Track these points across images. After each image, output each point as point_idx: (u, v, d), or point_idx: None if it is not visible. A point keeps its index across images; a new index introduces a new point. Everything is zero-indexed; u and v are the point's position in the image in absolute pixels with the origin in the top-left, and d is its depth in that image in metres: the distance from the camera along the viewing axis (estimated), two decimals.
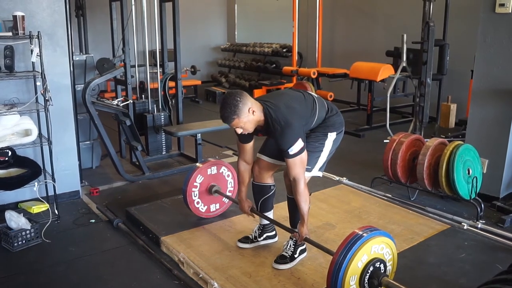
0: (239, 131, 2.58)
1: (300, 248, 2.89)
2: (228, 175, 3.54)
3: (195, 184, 3.37)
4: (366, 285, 2.29)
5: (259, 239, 3.09)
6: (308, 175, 2.75)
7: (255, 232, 3.11)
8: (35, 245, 3.24)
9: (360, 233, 2.31)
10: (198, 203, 3.42)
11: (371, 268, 2.29)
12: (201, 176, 3.39)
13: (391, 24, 7.61)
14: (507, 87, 3.76)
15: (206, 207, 3.47)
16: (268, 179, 2.98)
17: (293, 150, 2.54)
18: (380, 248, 2.35)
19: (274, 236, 3.14)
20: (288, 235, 2.93)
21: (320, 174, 2.86)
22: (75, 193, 4.08)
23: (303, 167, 2.63)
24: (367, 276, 2.28)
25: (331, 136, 2.83)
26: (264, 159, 2.93)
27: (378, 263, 2.32)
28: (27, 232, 3.22)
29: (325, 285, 2.54)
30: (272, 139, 2.75)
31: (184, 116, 5.27)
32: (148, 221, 3.45)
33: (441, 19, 6.06)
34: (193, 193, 3.38)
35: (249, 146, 2.87)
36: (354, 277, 2.25)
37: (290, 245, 2.88)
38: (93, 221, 3.66)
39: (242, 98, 2.50)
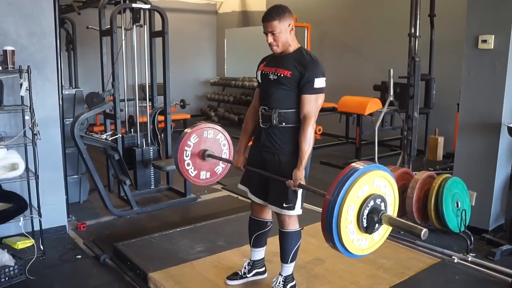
0: (270, 39, 2.61)
1: (290, 284, 2.85)
2: (224, 145, 3.33)
3: (188, 143, 3.17)
4: (364, 220, 2.13)
5: (248, 275, 3.04)
6: (293, 212, 2.70)
7: (245, 267, 3.06)
8: (18, 283, 3.15)
9: (365, 163, 2.17)
10: (188, 165, 3.22)
11: (372, 203, 2.13)
12: (196, 136, 3.20)
13: (378, 59, 7.76)
14: (492, 120, 3.82)
15: (196, 172, 3.27)
16: (267, 215, 2.94)
17: (317, 83, 2.56)
18: (383, 185, 2.21)
19: (263, 272, 3.09)
20: (277, 272, 2.89)
21: (301, 211, 2.75)
22: (61, 228, 4.01)
23: (318, 106, 2.61)
24: (367, 211, 2.13)
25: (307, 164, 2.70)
26: (258, 202, 2.86)
27: (379, 200, 2.16)
28: (11, 268, 3.13)
29: None
30: (290, 67, 2.62)
31: (173, 150, 5.25)
32: (135, 256, 3.39)
33: (427, 54, 6.19)
34: (185, 152, 3.18)
35: None
36: (353, 207, 2.10)
37: (280, 281, 2.84)
38: (79, 257, 3.58)
39: (290, 13, 2.61)
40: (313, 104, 2.59)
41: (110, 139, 4.45)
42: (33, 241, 3.59)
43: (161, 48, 4.96)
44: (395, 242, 3.70)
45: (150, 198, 5.00)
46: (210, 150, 3.24)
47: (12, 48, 3.40)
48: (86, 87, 5.46)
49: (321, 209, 2.13)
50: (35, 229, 3.67)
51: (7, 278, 3.12)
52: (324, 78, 2.60)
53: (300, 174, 2.57)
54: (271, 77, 2.69)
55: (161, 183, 5.28)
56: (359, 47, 8.25)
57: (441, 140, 6.62)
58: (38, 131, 3.45)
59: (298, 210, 2.74)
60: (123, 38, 4.91)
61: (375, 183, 2.17)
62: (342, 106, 6.92)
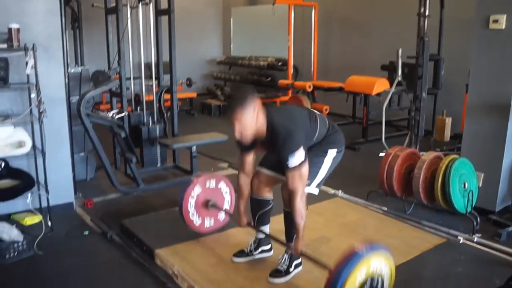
0: (238, 134, 2.56)
1: (295, 262, 2.86)
2: (226, 192, 3.49)
3: (192, 194, 3.30)
4: None
5: (254, 253, 3.06)
6: (308, 189, 2.72)
7: (251, 245, 3.08)
8: (27, 258, 3.19)
9: (360, 249, 2.27)
10: (193, 215, 3.36)
11: (369, 284, 2.25)
12: (199, 187, 3.33)
13: (386, 38, 7.67)
14: (501, 101, 3.77)
15: (200, 220, 3.41)
16: (267, 194, 2.96)
17: (293, 160, 2.52)
18: (379, 264, 2.31)
19: (269, 250, 3.11)
20: (283, 250, 2.90)
21: (316, 191, 2.82)
22: (68, 205, 4.04)
23: (303, 181, 2.60)
24: None
25: (331, 153, 2.81)
26: (264, 172, 2.90)
27: (376, 280, 2.28)
28: (19, 244, 3.17)
29: None
30: (273, 151, 2.72)
31: (179, 129, 5.26)
32: (142, 233, 3.41)
33: (436, 34, 6.11)
34: (189, 204, 3.31)
35: (250, 157, 2.86)
36: None
37: (285, 259, 2.85)
38: (86, 233, 3.62)
39: (252, 95, 2.56)
40: (296, 179, 2.57)
41: (116, 117, 4.45)
42: (41, 217, 3.63)
43: (167, 26, 4.93)
44: (400, 222, 3.71)
45: (156, 176, 5.02)
46: (213, 200, 3.39)
47: (17, 26, 3.38)
48: (92, 66, 5.45)
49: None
50: (42, 205, 3.71)
51: (16, 253, 3.16)
52: (300, 150, 2.53)
53: (300, 246, 2.67)
54: None
55: (167, 161, 5.29)
56: (367, 26, 8.15)
57: (448, 121, 6.57)
58: (44, 109, 3.45)
59: (313, 189, 2.76)
60: (129, 16, 4.86)
61: (372, 266, 2.27)
62: (349, 86, 6.87)
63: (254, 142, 2.73)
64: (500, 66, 3.76)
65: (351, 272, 2.18)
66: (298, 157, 2.53)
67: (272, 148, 2.68)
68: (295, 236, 2.72)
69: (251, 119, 2.53)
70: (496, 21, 3.72)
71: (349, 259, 2.22)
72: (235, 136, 2.59)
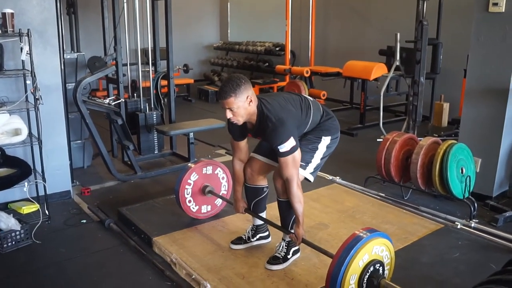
0: (229, 114, 2.53)
1: (293, 249, 2.87)
2: (223, 178, 3.50)
3: (188, 181, 3.32)
4: (364, 285, 2.27)
5: (252, 240, 3.06)
6: (302, 172, 2.71)
7: (248, 232, 3.08)
8: (25, 246, 3.19)
9: (364, 232, 2.32)
10: (189, 201, 3.37)
11: (371, 269, 2.27)
12: (195, 174, 3.35)
13: (384, 22, 7.61)
14: (500, 86, 3.75)
15: (197, 207, 3.43)
16: (261, 181, 2.95)
17: (284, 147, 2.51)
18: (380, 250, 2.35)
19: (267, 237, 3.12)
20: (281, 235, 2.91)
21: (311, 178, 2.80)
22: (66, 193, 4.03)
23: (296, 167, 2.60)
24: (367, 276, 2.27)
25: (325, 140, 2.81)
26: (258, 158, 2.89)
27: (378, 265, 2.31)
28: (17, 233, 3.17)
29: (319, 285, 2.55)
30: (264, 139, 2.72)
31: (176, 115, 5.23)
32: (140, 221, 3.41)
33: (435, 18, 6.06)
34: (186, 191, 3.33)
35: (243, 144, 2.85)
36: (354, 276, 2.23)
37: (283, 246, 2.86)
38: (84, 221, 3.61)
39: (246, 83, 2.50)
40: (290, 165, 2.56)
41: (113, 103, 4.42)
42: (38, 206, 3.62)
43: (164, 11, 4.87)
44: (398, 208, 3.71)
45: (153, 163, 5.01)
46: (210, 186, 3.40)
47: (11, 11, 3.33)
48: (88, 52, 5.41)
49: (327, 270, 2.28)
50: (40, 194, 3.69)
51: (14, 242, 3.16)
52: (291, 137, 2.52)
53: (301, 231, 2.67)
54: None
55: (165, 148, 5.28)
56: (365, 11, 8.08)
57: (446, 106, 6.55)
58: (40, 95, 3.42)
59: (308, 174, 2.75)
60: (125, 1, 4.80)
61: (374, 250, 2.31)
62: (347, 71, 6.84)
63: (245, 130, 2.71)
64: (499, 50, 3.73)
65: (353, 257, 2.20)
66: (288, 144, 2.52)
67: (262, 137, 2.69)
68: (294, 224, 2.71)
69: (243, 106, 2.50)
70: (495, 4, 3.68)
71: (351, 245, 2.24)
72: (226, 116, 2.55)
